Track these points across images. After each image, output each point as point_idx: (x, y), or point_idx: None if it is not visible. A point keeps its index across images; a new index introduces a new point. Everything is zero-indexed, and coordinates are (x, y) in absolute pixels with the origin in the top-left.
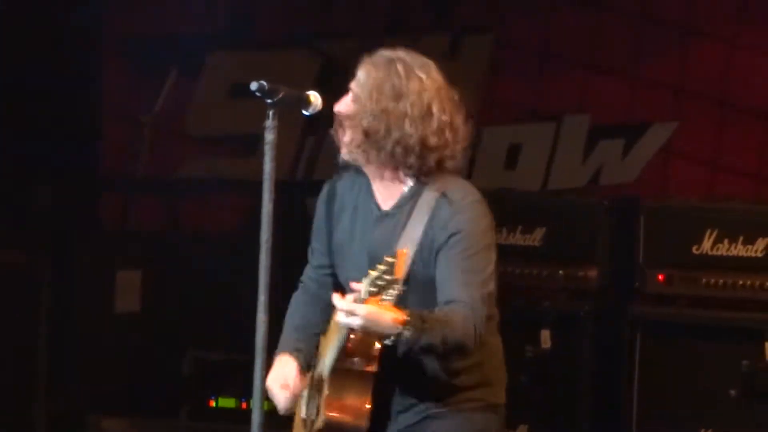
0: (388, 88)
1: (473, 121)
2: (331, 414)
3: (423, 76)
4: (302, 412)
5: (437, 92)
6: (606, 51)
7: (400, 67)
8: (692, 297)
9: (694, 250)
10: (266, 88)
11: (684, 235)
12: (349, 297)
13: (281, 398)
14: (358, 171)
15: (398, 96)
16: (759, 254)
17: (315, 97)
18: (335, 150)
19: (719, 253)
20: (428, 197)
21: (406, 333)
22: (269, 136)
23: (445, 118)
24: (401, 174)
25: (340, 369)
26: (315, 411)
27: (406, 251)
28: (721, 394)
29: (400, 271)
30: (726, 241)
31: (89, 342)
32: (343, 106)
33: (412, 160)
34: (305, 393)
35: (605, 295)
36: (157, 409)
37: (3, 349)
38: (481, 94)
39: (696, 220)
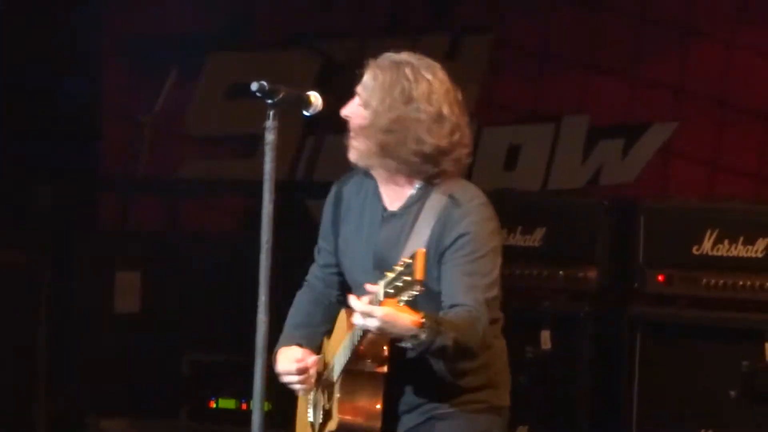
0: (397, 92)
1: (474, 121)
2: (344, 416)
3: (430, 78)
4: (309, 416)
5: (446, 94)
6: (605, 51)
7: (407, 71)
8: (692, 297)
9: (694, 250)
10: (266, 88)
11: (684, 236)
12: (365, 299)
13: (300, 381)
14: (367, 172)
15: (408, 100)
16: (759, 254)
17: (315, 98)
18: (335, 151)
19: (719, 253)
20: (435, 199)
21: (422, 335)
22: (269, 137)
23: (455, 120)
24: (406, 175)
25: (350, 371)
26: (322, 414)
27: (423, 251)
28: (721, 394)
29: (420, 273)
30: (726, 242)
31: (89, 342)
32: (352, 110)
33: (427, 166)
34: (311, 396)
35: (605, 296)
36: (156, 410)
37: (3, 349)
38: (481, 95)
39: (696, 220)
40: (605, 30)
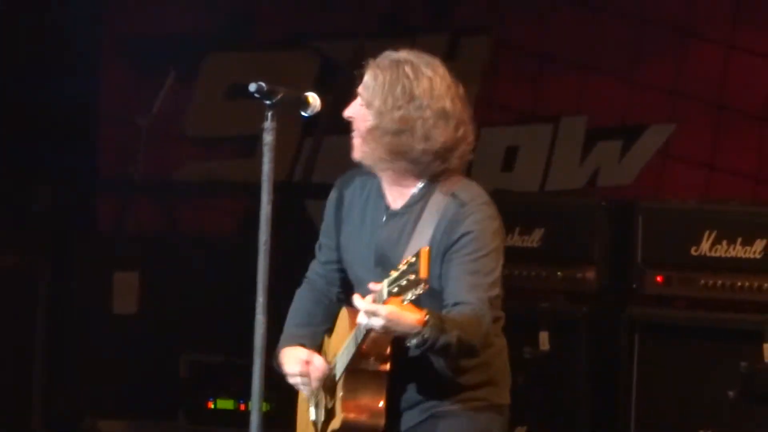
0: (399, 91)
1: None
2: (347, 415)
3: (431, 74)
4: (312, 414)
5: (447, 90)
6: (604, 53)
7: (408, 69)
8: (690, 298)
9: (692, 251)
10: (264, 89)
11: (682, 237)
12: (369, 297)
13: (306, 375)
14: (370, 170)
15: (410, 98)
16: (757, 255)
17: (313, 99)
18: (334, 152)
19: (717, 254)
20: (438, 198)
21: (426, 333)
22: (267, 138)
23: (458, 115)
24: (415, 175)
25: (353, 369)
26: (324, 413)
27: (428, 250)
28: (719, 395)
29: (425, 271)
30: (724, 243)
31: (87, 343)
32: (354, 111)
33: (436, 163)
34: (312, 396)
35: (603, 297)
36: (155, 411)
37: (1, 350)
38: (479, 95)
39: (694, 221)
40: (604, 31)
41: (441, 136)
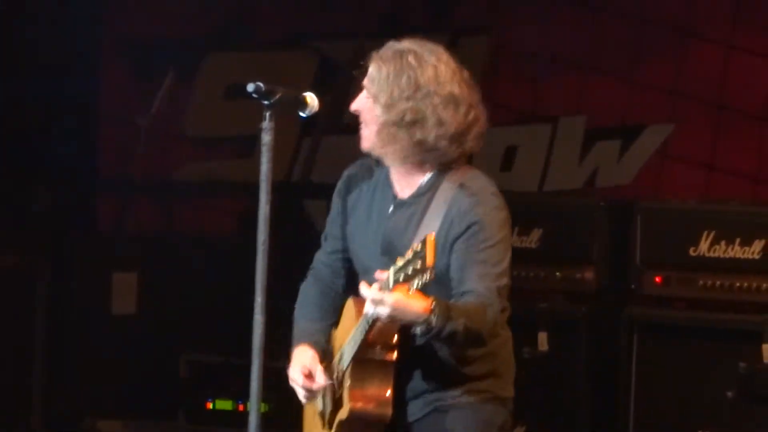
0: (404, 82)
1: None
2: (355, 404)
3: (435, 62)
4: (318, 404)
5: (453, 76)
6: (603, 53)
7: (411, 58)
8: (689, 298)
9: (691, 251)
10: (263, 89)
11: (681, 237)
12: (375, 286)
13: (305, 386)
14: (378, 160)
15: (416, 87)
16: (756, 256)
17: (311, 99)
18: (332, 152)
19: (716, 254)
20: (447, 188)
21: (433, 321)
22: (266, 138)
23: (467, 99)
24: (424, 164)
25: (360, 359)
26: (331, 403)
27: (434, 238)
28: (718, 395)
29: (431, 259)
30: (723, 243)
31: (86, 343)
32: (361, 104)
33: (453, 148)
34: None
35: (602, 297)
36: (154, 411)
37: (0, 351)
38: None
39: (693, 221)
40: (603, 31)
41: (453, 120)
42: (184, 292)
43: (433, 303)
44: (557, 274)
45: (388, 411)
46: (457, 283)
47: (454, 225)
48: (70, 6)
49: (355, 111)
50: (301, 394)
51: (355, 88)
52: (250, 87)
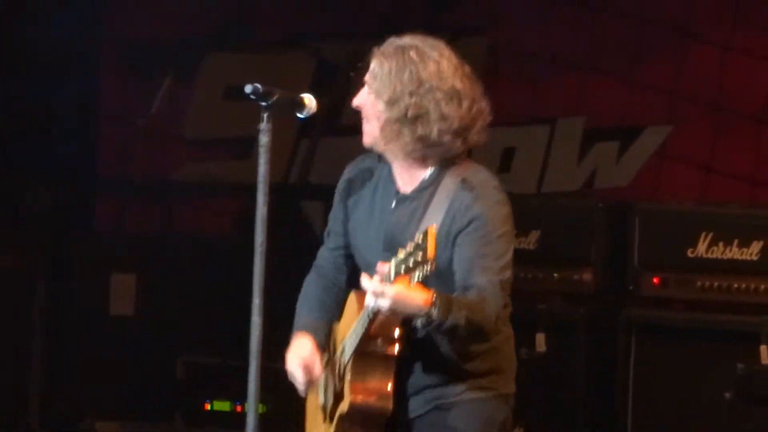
0: (406, 78)
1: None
2: (355, 397)
3: (437, 57)
4: (320, 398)
5: (455, 71)
6: (601, 54)
7: (413, 53)
8: (687, 300)
9: (689, 253)
10: (260, 90)
11: (679, 238)
12: (376, 278)
13: (302, 379)
14: (380, 156)
15: (419, 83)
16: (754, 257)
17: (309, 100)
18: (330, 153)
19: (714, 256)
20: (449, 182)
21: (434, 314)
22: (263, 139)
23: (470, 93)
24: (427, 160)
25: (362, 352)
26: (333, 396)
27: (435, 230)
28: (716, 396)
29: (432, 251)
30: (721, 244)
31: (84, 345)
32: (362, 100)
33: (457, 143)
34: (321, 380)
35: (600, 298)
36: (151, 413)
37: None
38: None
39: (691, 223)
40: (601, 32)
41: (456, 115)
42: (182, 293)
43: (434, 295)
44: (555, 275)
45: (389, 405)
46: (459, 277)
47: (456, 219)
48: (70, 6)
49: (357, 107)
50: (300, 386)
51: (354, 90)
52: (248, 88)
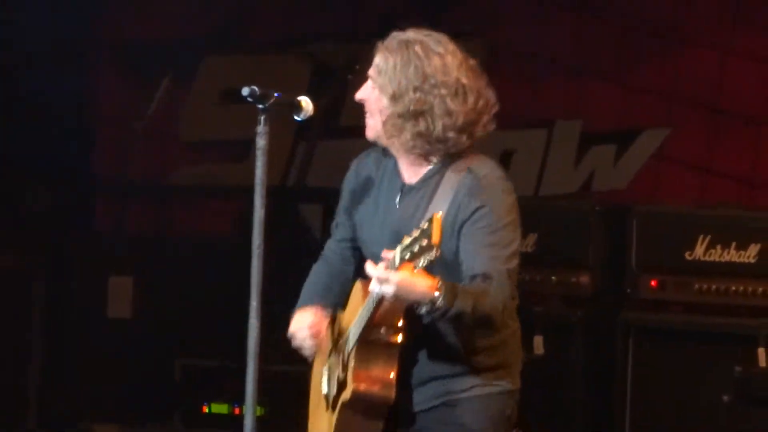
0: (411, 73)
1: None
2: (358, 385)
3: (442, 51)
4: (323, 387)
5: (460, 66)
6: (599, 56)
7: (417, 48)
8: (685, 303)
9: (686, 255)
10: (257, 93)
11: (676, 241)
12: (381, 265)
13: (309, 341)
14: (385, 149)
15: (424, 78)
16: (751, 260)
17: (306, 103)
18: (327, 155)
19: (712, 258)
20: (454, 172)
21: (439, 300)
22: (261, 142)
23: (475, 87)
24: (431, 155)
25: (365, 340)
26: (336, 385)
27: (440, 216)
28: (714, 399)
29: (437, 237)
30: (719, 247)
31: (82, 347)
32: (366, 94)
33: (462, 138)
34: (325, 369)
35: (598, 301)
36: (149, 415)
37: None
38: None
39: (688, 225)
40: (598, 36)
41: (461, 110)
42: (180, 295)
43: (440, 282)
44: (553, 278)
45: (392, 393)
46: (466, 267)
47: (461, 209)
48: (67, 9)
49: (360, 100)
50: (307, 349)
51: (351, 92)
52: (245, 91)
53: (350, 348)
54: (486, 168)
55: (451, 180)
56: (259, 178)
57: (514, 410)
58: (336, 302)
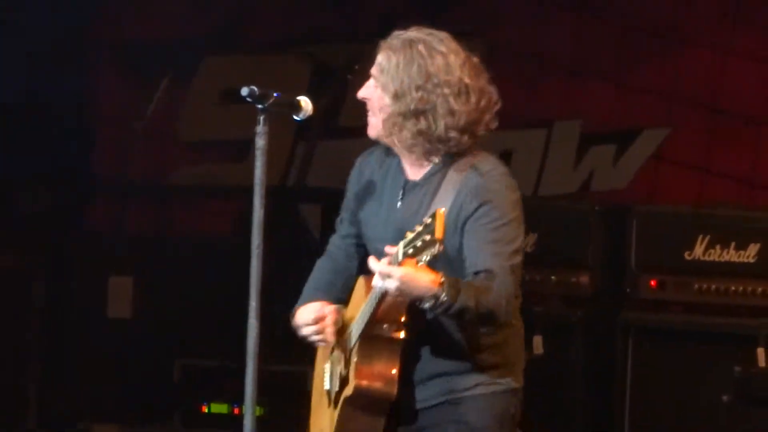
0: (415, 72)
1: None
2: (360, 381)
3: (445, 50)
4: (326, 383)
5: (463, 65)
6: (597, 57)
7: (421, 47)
8: (684, 302)
9: (686, 255)
10: (257, 93)
11: (676, 241)
12: (384, 260)
13: (317, 331)
14: (389, 147)
15: (427, 77)
16: (751, 260)
17: (306, 102)
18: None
19: (711, 258)
20: (458, 169)
21: (442, 295)
22: (260, 142)
23: (478, 86)
24: (433, 154)
25: (368, 336)
26: (339, 381)
27: (443, 211)
28: (713, 399)
29: (440, 232)
30: (718, 247)
31: (81, 347)
32: (368, 93)
33: (464, 138)
34: (327, 366)
35: (597, 301)
36: (149, 415)
37: None
38: None
39: (688, 225)
40: (597, 36)
41: (464, 109)
42: (179, 295)
43: (443, 277)
44: (552, 278)
45: (394, 389)
46: (469, 263)
47: (465, 206)
48: (66, 9)
49: (362, 98)
50: (314, 333)
51: (350, 93)
52: (245, 91)
53: (353, 344)
54: (490, 165)
55: (455, 177)
56: (259, 178)
57: (518, 409)
58: (339, 298)
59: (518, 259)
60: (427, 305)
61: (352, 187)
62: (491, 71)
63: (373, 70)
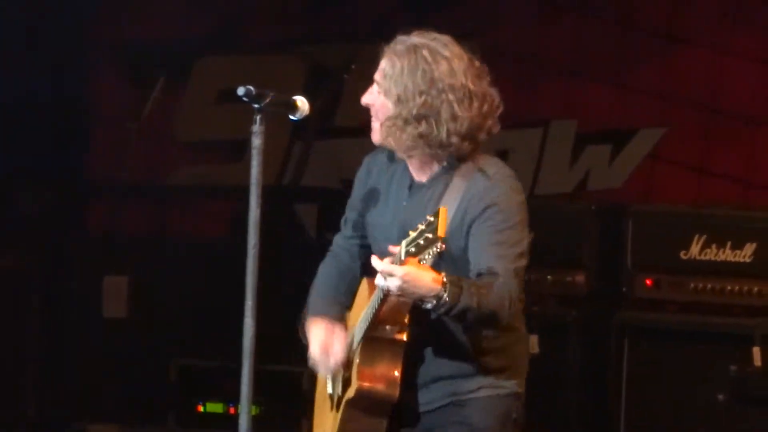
0: (419, 77)
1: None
2: (362, 383)
3: (449, 55)
4: (328, 387)
5: (467, 70)
6: (594, 57)
7: (425, 53)
8: (680, 302)
9: (682, 255)
10: (253, 93)
11: (672, 240)
12: (387, 259)
13: (327, 365)
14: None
15: (431, 82)
16: (747, 259)
17: (302, 102)
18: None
19: (707, 258)
20: (464, 172)
21: (445, 295)
22: (256, 142)
23: (481, 91)
24: (435, 158)
25: (370, 337)
26: (341, 384)
27: (446, 210)
28: (709, 398)
29: (442, 230)
30: (714, 246)
31: (76, 347)
32: (372, 99)
33: (466, 144)
34: None
35: (593, 300)
36: (144, 415)
37: None
38: None
39: (684, 225)
40: (593, 36)
41: (467, 115)
42: (175, 295)
43: (445, 277)
44: (548, 277)
45: (396, 391)
46: (473, 264)
47: (470, 207)
48: (62, 10)
49: (366, 105)
50: (319, 365)
51: (346, 93)
52: (241, 91)
53: (355, 346)
54: (495, 167)
55: (461, 179)
56: (255, 177)
57: (520, 413)
58: (344, 302)
59: (523, 262)
60: (429, 305)
61: (359, 187)
62: (488, 71)
63: (377, 76)
